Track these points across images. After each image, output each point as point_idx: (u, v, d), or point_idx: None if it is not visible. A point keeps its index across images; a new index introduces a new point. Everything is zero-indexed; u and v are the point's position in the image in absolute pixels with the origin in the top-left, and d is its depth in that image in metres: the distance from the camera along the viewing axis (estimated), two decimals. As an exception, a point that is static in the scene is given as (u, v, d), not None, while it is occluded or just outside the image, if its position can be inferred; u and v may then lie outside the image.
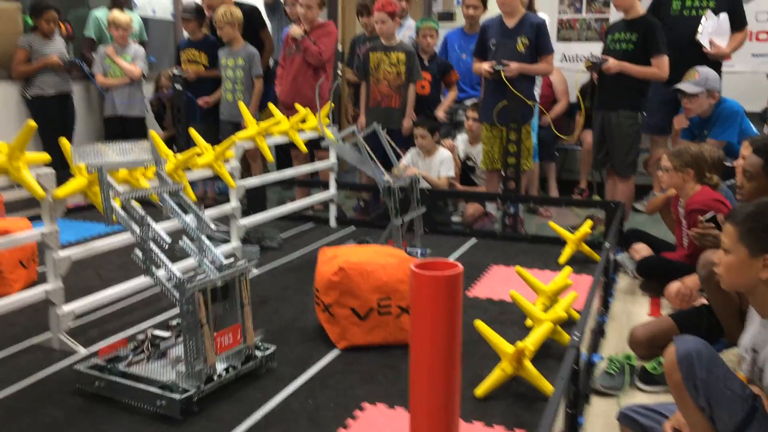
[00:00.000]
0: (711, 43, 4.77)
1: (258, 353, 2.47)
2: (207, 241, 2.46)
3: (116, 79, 5.55)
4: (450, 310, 1.53)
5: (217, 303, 2.30)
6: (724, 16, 4.79)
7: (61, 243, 2.67)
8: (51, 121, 5.19)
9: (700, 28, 4.78)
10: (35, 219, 3.70)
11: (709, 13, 4.80)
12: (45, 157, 2.63)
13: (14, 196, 4.46)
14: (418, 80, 5.10)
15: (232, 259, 2.42)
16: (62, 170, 2.73)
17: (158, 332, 2.51)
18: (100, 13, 5.84)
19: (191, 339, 2.19)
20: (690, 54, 4.65)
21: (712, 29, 4.77)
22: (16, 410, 2.23)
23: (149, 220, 2.33)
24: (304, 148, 4.13)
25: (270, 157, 3.81)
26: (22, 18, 5.34)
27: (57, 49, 5.25)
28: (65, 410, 2.23)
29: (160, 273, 2.29)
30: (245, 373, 2.41)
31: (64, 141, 2.68)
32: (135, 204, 2.44)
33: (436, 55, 5.31)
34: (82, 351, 2.64)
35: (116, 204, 2.38)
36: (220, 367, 2.33)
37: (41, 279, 3.05)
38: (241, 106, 4.05)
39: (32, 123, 2.49)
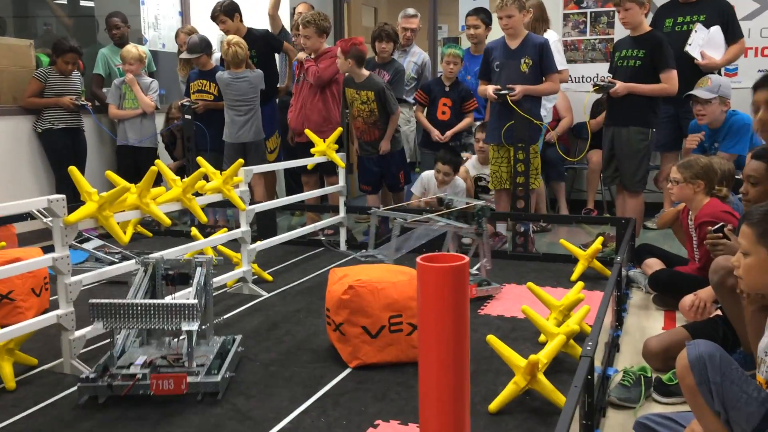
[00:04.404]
0: (702, 55, 4.79)
1: None
2: None
3: (128, 111, 5.63)
4: (457, 302, 1.51)
5: None
6: (715, 29, 4.81)
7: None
8: (62, 153, 5.26)
9: (689, 40, 4.80)
10: (48, 250, 3.74)
11: (699, 26, 4.82)
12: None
13: (27, 227, 4.48)
14: (393, 109, 5.05)
15: None
16: (74, 201, 2.76)
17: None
18: (107, 51, 5.95)
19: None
20: (683, 68, 4.63)
21: (703, 41, 4.79)
22: (28, 434, 2.23)
23: None
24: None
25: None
26: (34, 54, 5.44)
27: (73, 87, 5.33)
28: (77, 434, 2.23)
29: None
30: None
31: (73, 169, 2.68)
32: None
33: (458, 81, 5.32)
34: (93, 376, 2.62)
35: None
36: None
37: (53, 307, 3.06)
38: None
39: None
